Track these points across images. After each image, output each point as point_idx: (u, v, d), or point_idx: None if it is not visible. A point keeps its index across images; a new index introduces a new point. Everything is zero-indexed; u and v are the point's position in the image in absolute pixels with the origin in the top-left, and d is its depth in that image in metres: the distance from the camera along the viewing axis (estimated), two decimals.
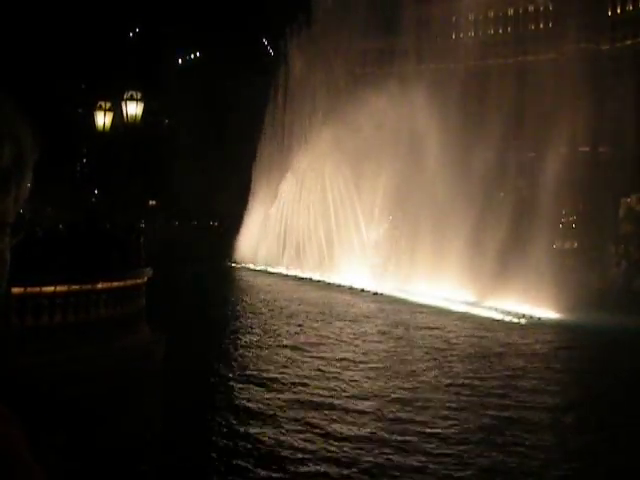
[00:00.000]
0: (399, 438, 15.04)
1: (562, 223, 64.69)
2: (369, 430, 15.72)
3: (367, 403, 18.08)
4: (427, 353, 25.44)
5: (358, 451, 14.25)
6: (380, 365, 23.11)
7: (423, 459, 13.92)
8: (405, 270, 51.14)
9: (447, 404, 18.17)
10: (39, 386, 12.78)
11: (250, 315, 34.81)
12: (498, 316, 36.62)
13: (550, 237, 51.31)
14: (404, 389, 19.77)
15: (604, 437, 16.10)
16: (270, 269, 65.97)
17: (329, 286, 52.44)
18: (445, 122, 51.71)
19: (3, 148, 1.02)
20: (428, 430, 15.75)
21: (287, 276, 60.75)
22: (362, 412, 17.12)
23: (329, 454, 14.04)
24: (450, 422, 16.52)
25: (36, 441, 1.12)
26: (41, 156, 1.10)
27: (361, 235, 62.47)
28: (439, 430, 15.81)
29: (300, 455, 13.98)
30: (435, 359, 24.35)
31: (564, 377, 22.80)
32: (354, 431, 15.58)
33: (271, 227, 74.46)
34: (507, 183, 53.24)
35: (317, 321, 32.67)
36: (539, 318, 36.10)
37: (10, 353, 13.38)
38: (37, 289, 14.53)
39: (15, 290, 13.46)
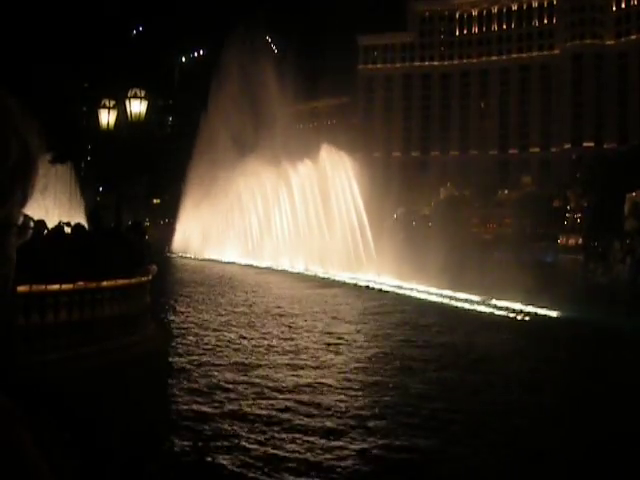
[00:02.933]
0: None
1: (567, 219, 64.60)
2: None
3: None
4: (428, 348, 25.46)
5: None
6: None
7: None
8: (403, 267, 51.13)
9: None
10: (44, 384, 12.82)
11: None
12: (501, 313, 36.54)
13: (554, 233, 51.26)
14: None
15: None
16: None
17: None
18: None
19: (9, 147, 1.01)
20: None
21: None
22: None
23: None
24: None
25: (41, 439, 1.12)
26: (46, 154, 1.10)
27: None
28: None
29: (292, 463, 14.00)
30: (439, 356, 24.36)
31: (566, 375, 22.75)
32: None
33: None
34: (509, 179, 53.28)
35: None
36: (543, 315, 35.99)
37: (15, 351, 13.42)
38: (42, 287, 14.56)
39: (20, 288, 13.49)
